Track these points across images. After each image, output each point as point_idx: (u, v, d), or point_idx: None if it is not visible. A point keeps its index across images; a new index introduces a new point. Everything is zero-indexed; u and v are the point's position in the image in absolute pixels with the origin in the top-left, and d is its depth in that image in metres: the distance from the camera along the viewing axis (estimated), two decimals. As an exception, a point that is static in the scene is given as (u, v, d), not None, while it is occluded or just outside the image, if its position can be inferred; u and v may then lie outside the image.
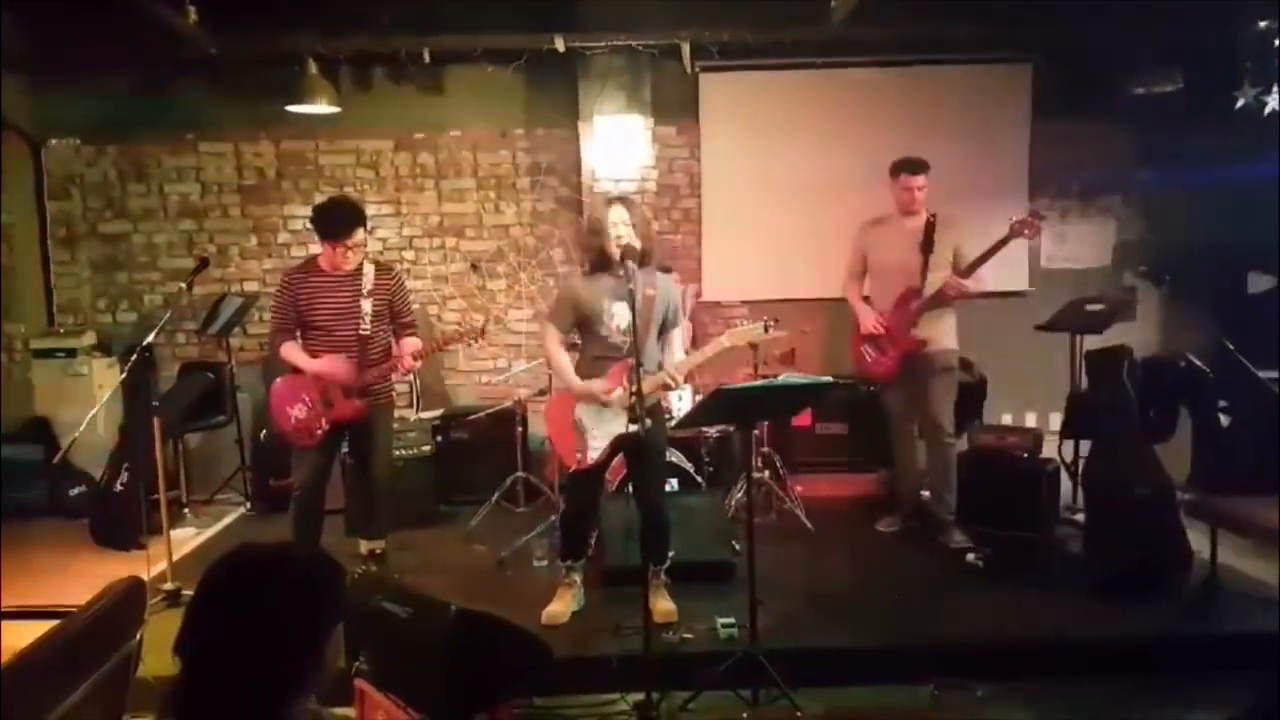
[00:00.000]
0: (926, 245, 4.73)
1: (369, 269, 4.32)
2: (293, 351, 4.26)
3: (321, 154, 6.56)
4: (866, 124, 6.29)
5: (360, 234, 4.23)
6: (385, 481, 4.59)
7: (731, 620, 3.82)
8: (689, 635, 3.83)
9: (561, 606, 4.03)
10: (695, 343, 5.40)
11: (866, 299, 5.01)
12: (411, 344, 4.39)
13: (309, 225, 4.43)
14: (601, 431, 3.84)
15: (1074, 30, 5.85)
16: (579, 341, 4.04)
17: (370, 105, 6.41)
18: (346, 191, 6.40)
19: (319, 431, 4.24)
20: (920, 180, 4.79)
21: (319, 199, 5.77)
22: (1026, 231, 4.59)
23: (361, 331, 4.27)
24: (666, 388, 3.84)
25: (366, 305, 4.27)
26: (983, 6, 5.59)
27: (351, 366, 4.22)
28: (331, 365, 4.21)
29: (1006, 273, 5.98)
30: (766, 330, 3.71)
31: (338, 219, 4.21)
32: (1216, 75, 5.72)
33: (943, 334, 4.82)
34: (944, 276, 4.69)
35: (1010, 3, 5.49)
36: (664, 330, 3.96)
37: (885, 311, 4.86)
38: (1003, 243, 4.60)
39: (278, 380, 4.36)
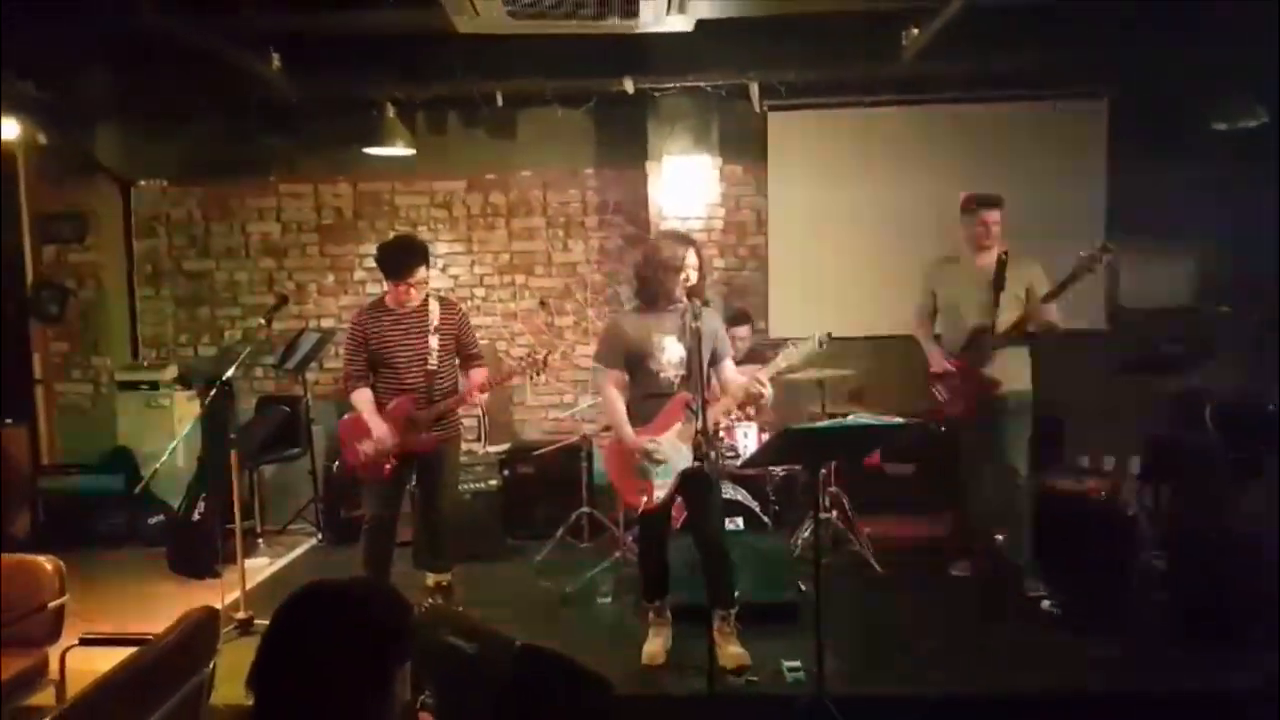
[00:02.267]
0: (998, 283, 4.63)
1: (434, 306, 4.39)
2: (363, 402, 4.31)
3: (397, 195, 6.74)
4: (937, 161, 6.22)
5: (422, 271, 4.30)
6: (451, 514, 4.63)
7: (798, 664, 3.76)
8: (754, 678, 3.77)
9: (659, 645, 3.99)
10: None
11: (937, 338, 4.93)
12: (478, 375, 4.45)
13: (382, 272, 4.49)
14: (665, 470, 3.81)
15: (1153, 64, 5.73)
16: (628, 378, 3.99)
17: (444, 147, 6.58)
18: (420, 231, 6.57)
19: (388, 467, 4.30)
20: (996, 215, 4.71)
21: (393, 238, 5.92)
22: (1093, 266, 4.46)
23: (429, 368, 4.34)
24: (759, 397, 3.78)
25: (434, 342, 4.34)
26: (1058, 41, 5.52)
27: (394, 433, 4.25)
28: (380, 431, 4.24)
29: (1084, 311, 5.84)
30: (821, 345, 3.65)
31: (400, 258, 4.30)
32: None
33: (1016, 374, 4.70)
34: (1015, 315, 4.59)
35: (1086, 37, 5.40)
36: (715, 361, 3.94)
37: (956, 351, 4.78)
38: (1072, 279, 4.49)
39: (346, 416, 4.46)
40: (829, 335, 3.67)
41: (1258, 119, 5.61)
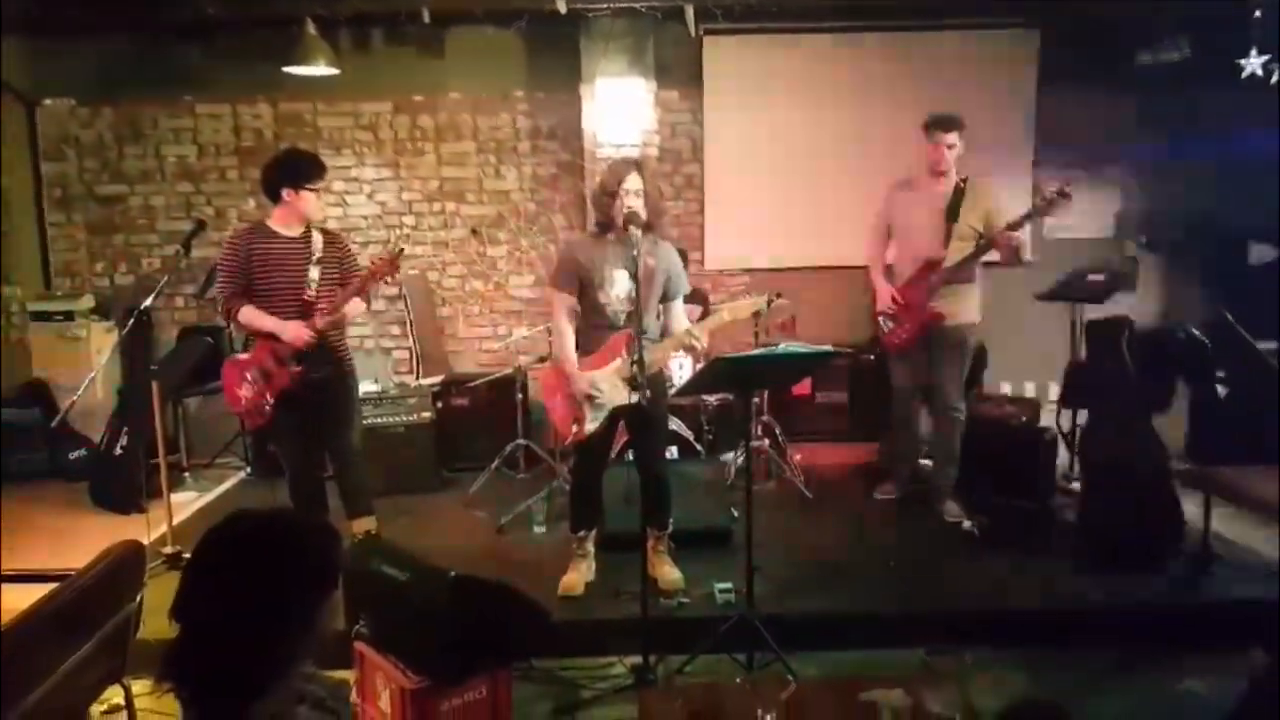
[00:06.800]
0: (951, 212, 4.56)
1: (317, 237, 4.14)
2: (254, 315, 4.02)
3: (320, 116, 6.50)
4: (871, 89, 6.23)
5: (322, 181, 4.12)
6: (358, 454, 4.36)
7: (729, 585, 3.85)
8: (686, 600, 3.86)
9: (577, 576, 4.01)
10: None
11: (889, 268, 4.84)
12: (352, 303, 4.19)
13: (279, 186, 4.04)
14: (600, 403, 3.80)
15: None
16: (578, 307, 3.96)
17: (369, 67, 6.34)
18: (344, 154, 6.41)
19: (267, 408, 4.05)
20: (953, 138, 4.54)
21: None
22: (1051, 209, 4.45)
23: (306, 297, 4.07)
24: (690, 349, 3.78)
25: (314, 272, 4.08)
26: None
27: (304, 329, 3.99)
28: (294, 331, 3.98)
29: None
30: (770, 304, 3.66)
31: (314, 161, 4.11)
32: (1223, 44, 5.65)
33: (964, 308, 4.68)
34: (968, 247, 4.54)
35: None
36: (666, 299, 3.90)
37: (904, 282, 4.72)
38: (1028, 217, 4.50)
39: (226, 362, 4.21)
40: (778, 295, 3.65)
41: (1181, 53, 5.70)
